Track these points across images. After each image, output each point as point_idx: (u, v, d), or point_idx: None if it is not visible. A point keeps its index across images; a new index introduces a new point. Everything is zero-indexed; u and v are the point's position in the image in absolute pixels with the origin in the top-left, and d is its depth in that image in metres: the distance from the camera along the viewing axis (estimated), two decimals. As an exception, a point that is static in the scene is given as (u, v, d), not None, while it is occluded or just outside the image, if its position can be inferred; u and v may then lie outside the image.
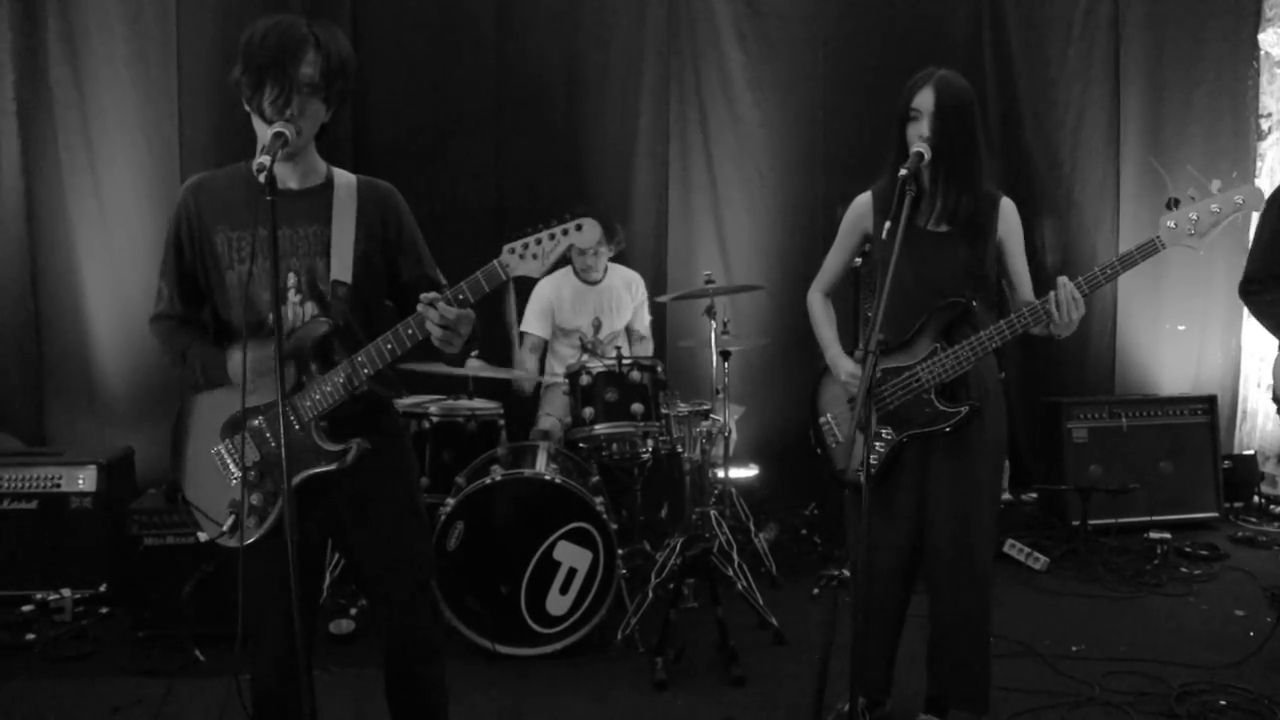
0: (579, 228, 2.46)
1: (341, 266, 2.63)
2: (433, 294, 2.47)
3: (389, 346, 2.51)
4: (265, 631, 2.64)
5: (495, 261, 2.47)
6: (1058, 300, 2.98)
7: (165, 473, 4.83)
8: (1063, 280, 2.98)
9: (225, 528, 2.61)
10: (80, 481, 4.89)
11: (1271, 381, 4.01)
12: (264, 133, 2.47)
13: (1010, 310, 3.20)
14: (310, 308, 2.63)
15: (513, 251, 2.47)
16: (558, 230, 2.46)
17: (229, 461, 2.65)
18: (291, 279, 2.61)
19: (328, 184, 2.70)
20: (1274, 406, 3.99)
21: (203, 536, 2.68)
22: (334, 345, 2.61)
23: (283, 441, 2.29)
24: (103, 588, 4.83)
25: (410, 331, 2.50)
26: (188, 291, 2.71)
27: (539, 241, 2.46)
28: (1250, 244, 4.07)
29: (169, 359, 2.75)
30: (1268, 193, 3.76)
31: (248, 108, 2.53)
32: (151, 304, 2.75)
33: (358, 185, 2.74)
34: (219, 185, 2.67)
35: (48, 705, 3.91)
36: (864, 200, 3.42)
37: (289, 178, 2.63)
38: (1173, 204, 2.95)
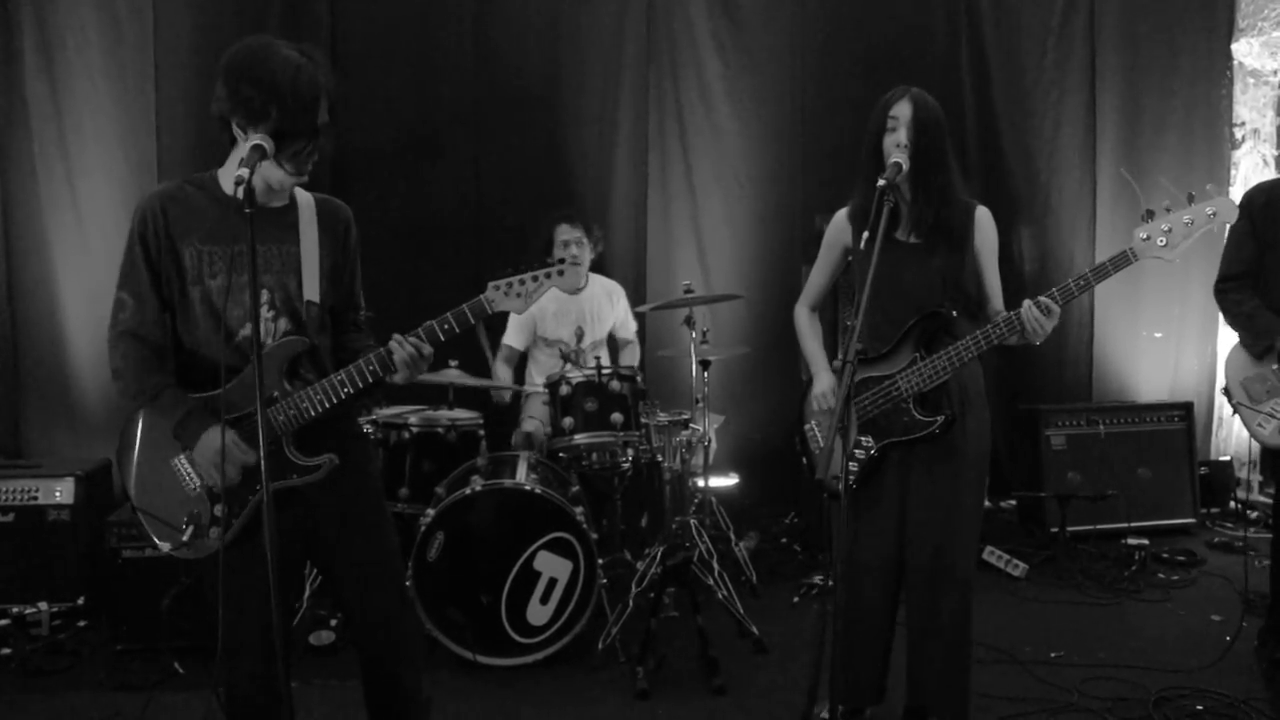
0: (560, 273, 2.67)
1: (312, 286, 2.69)
2: (430, 323, 2.62)
3: (371, 369, 2.62)
4: (241, 643, 2.62)
5: (481, 297, 2.64)
6: (1020, 321, 3.02)
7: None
8: (1027, 303, 3.01)
9: (185, 537, 2.64)
10: (58, 494, 4.85)
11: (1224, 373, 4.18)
12: (267, 166, 2.50)
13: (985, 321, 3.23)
14: (283, 324, 2.68)
15: (497, 288, 2.65)
16: (540, 273, 2.65)
17: (191, 472, 2.66)
18: (265, 295, 2.65)
19: (292, 203, 2.74)
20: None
21: (165, 547, 2.68)
22: (304, 363, 2.70)
23: (264, 459, 2.28)
24: (80, 600, 4.80)
25: (398, 356, 2.62)
26: (160, 299, 2.66)
27: (523, 281, 2.65)
28: (1224, 246, 4.21)
29: (126, 386, 2.66)
30: (1236, 198, 3.87)
31: (243, 133, 2.50)
32: (111, 317, 2.67)
33: (316, 203, 2.78)
34: (188, 198, 2.64)
35: (25, 720, 3.90)
36: (841, 216, 3.46)
37: (262, 193, 2.63)
38: (1148, 216, 2.99)
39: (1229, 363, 4.12)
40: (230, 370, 2.57)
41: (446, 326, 2.63)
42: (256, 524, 2.55)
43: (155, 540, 2.69)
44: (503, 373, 5.52)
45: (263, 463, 2.28)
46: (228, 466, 2.56)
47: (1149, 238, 2.98)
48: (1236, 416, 4.10)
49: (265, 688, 2.60)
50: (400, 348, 2.60)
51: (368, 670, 2.93)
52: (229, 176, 2.58)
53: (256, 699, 2.67)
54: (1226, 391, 4.09)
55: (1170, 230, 2.96)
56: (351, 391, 2.63)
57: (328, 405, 2.63)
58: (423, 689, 2.99)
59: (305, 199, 2.77)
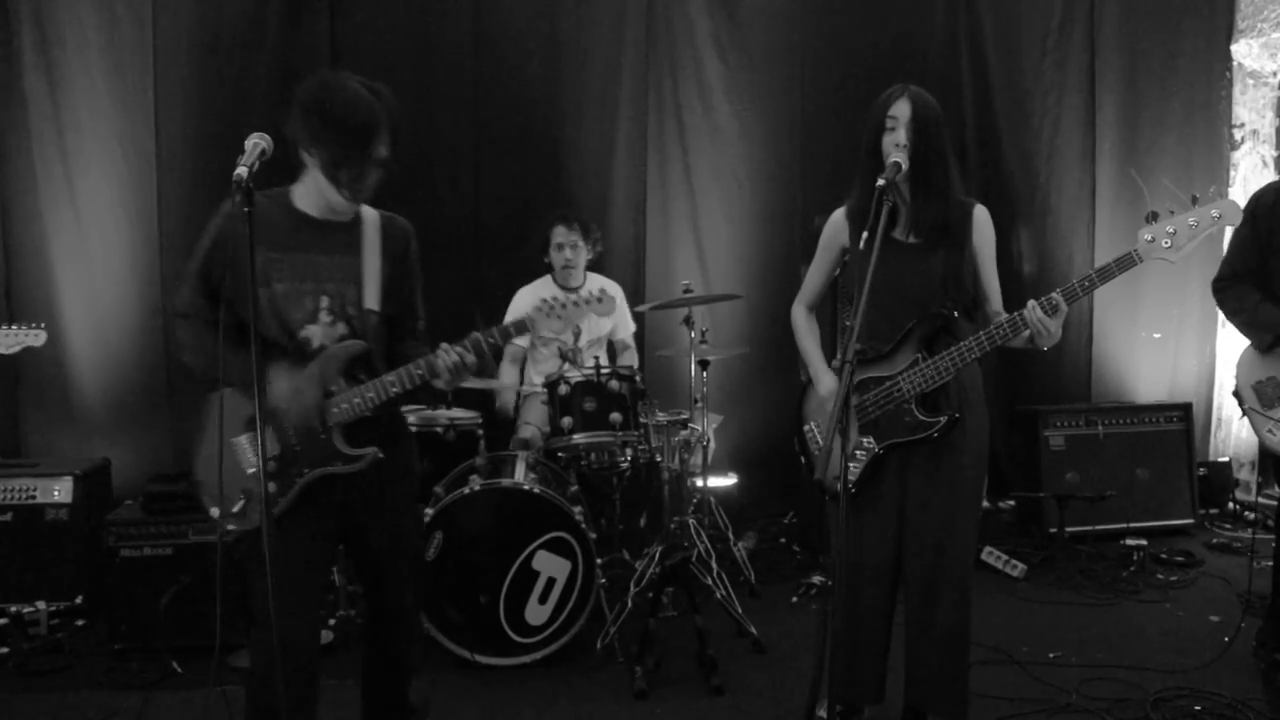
0: (600, 300, 2.97)
1: (372, 296, 2.92)
2: (476, 334, 2.87)
3: (419, 373, 2.85)
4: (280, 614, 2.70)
5: (525, 315, 2.89)
6: (1025, 321, 3.02)
7: (142, 484, 4.84)
8: (1032, 303, 3.02)
9: (236, 509, 2.86)
10: (56, 493, 4.85)
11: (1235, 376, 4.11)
12: (325, 187, 2.80)
13: (983, 321, 3.22)
14: (340, 329, 2.90)
15: (539, 310, 2.90)
16: (581, 299, 2.92)
17: (248, 451, 2.88)
18: (325, 301, 2.87)
19: (357, 219, 2.98)
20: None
21: (215, 513, 2.88)
22: (359, 365, 2.91)
23: (262, 467, 2.31)
24: (79, 600, 4.80)
25: (440, 363, 2.84)
26: (209, 291, 2.87)
27: (564, 306, 2.89)
28: (1227, 246, 4.19)
29: (191, 356, 2.92)
30: (1235, 199, 3.86)
31: (308, 155, 2.79)
32: (176, 293, 2.95)
33: (381, 220, 3.04)
34: (263, 207, 2.78)
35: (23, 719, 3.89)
36: (839, 216, 3.45)
37: (327, 212, 2.90)
38: (1151, 217, 2.99)
39: (1240, 366, 4.05)
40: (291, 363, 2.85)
41: (491, 340, 2.87)
42: (299, 505, 2.83)
43: (207, 507, 2.89)
44: (509, 371, 5.51)
45: (261, 470, 2.39)
46: (301, 394, 2.82)
47: (1153, 239, 2.98)
48: (1245, 420, 4.06)
49: (288, 661, 2.71)
50: (445, 355, 2.82)
51: (374, 640, 3.18)
52: (303, 194, 2.88)
53: (278, 673, 2.71)
54: (1237, 395, 4.04)
55: (1175, 232, 2.96)
56: (399, 391, 2.85)
57: (377, 403, 2.85)
58: (416, 667, 3.23)
59: (370, 215, 3.01)
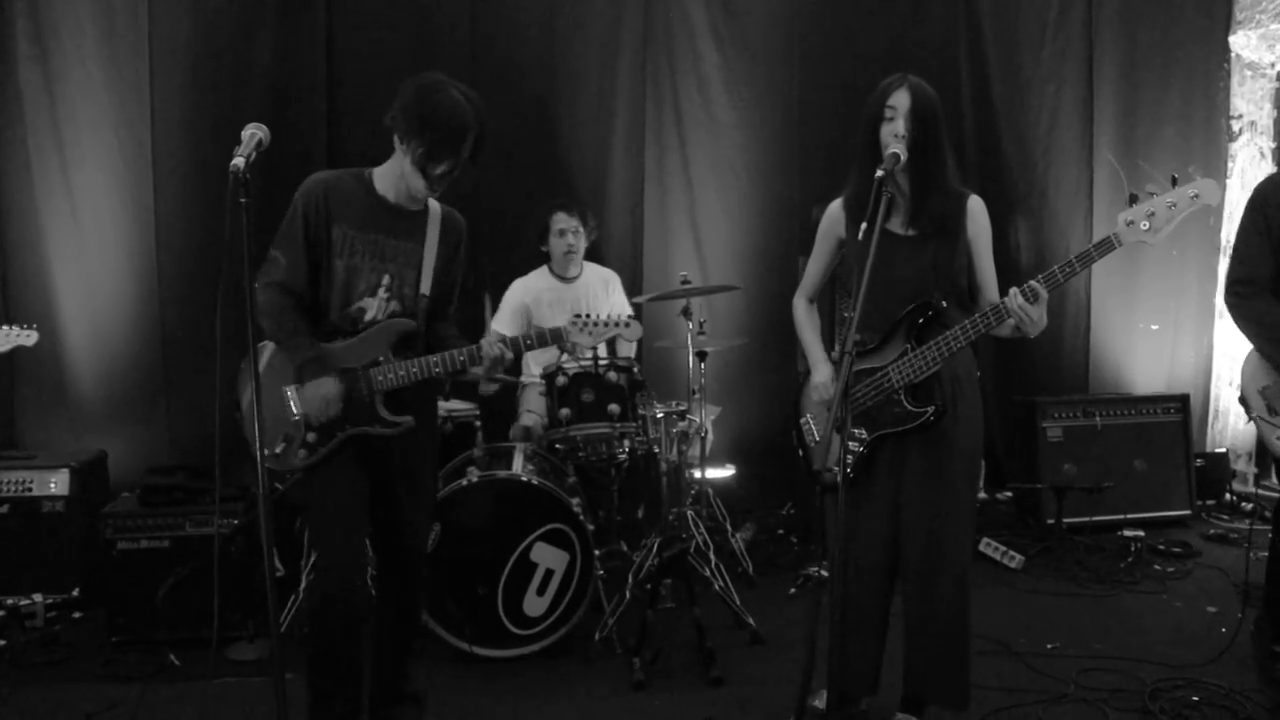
0: (627, 325, 3.38)
1: (426, 281, 3.27)
2: (517, 335, 3.28)
3: (461, 358, 3.18)
4: (332, 541, 3.16)
5: (561, 327, 3.31)
6: (1008, 309, 3.01)
7: (139, 476, 4.84)
8: (1013, 290, 3.01)
9: (277, 450, 3.17)
10: (52, 485, 4.85)
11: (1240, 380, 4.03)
12: (411, 175, 3.12)
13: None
14: (394, 306, 3.24)
15: (573, 324, 3.33)
16: (612, 320, 3.34)
17: (294, 401, 3.17)
18: (386, 279, 3.21)
19: (425, 209, 3.31)
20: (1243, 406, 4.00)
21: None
22: (408, 341, 3.25)
23: (260, 468, 2.34)
24: (75, 592, 4.81)
25: (485, 353, 3.18)
26: (310, 262, 3.18)
27: (596, 324, 3.29)
28: (1233, 246, 4.00)
29: (267, 327, 3.19)
30: (1233, 190, 3.80)
31: (401, 146, 3.13)
32: (262, 271, 3.17)
33: (442, 213, 3.36)
34: (346, 187, 3.22)
35: (19, 712, 3.89)
36: (835, 207, 3.44)
37: (402, 199, 3.24)
38: (1133, 200, 2.98)
39: (1245, 371, 3.92)
40: (341, 333, 3.22)
41: (529, 341, 3.24)
42: (337, 454, 3.17)
43: (249, 445, 3.12)
44: None
45: (259, 469, 2.57)
46: (331, 406, 3.16)
47: (1133, 222, 2.97)
48: (1242, 412, 3.99)
49: (349, 578, 3.12)
50: (490, 347, 3.16)
51: (386, 577, 3.51)
52: (383, 178, 3.23)
53: (346, 578, 3.12)
54: (1244, 402, 3.92)
55: (1154, 214, 2.95)
56: (440, 372, 3.18)
57: (419, 378, 3.17)
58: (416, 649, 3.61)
59: (435, 208, 3.33)
